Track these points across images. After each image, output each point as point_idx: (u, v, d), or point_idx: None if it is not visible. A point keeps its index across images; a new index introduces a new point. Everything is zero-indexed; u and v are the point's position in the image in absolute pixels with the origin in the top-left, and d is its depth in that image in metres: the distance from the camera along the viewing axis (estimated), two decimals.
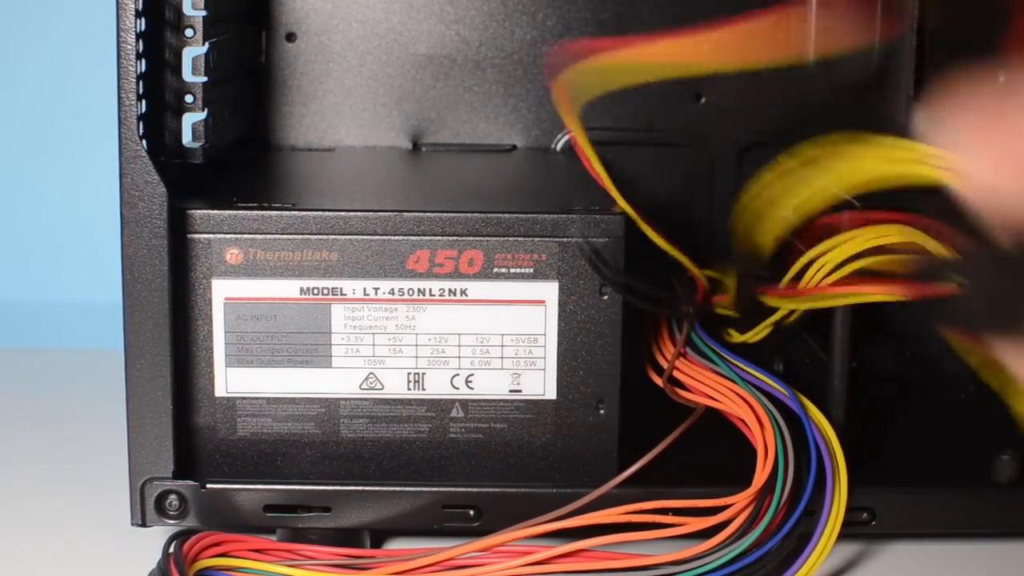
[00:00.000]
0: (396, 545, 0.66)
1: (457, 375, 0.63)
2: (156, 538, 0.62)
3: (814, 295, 0.65)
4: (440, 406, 0.63)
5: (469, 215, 0.62)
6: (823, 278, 0.65)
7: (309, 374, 0.63)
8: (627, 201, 0.62)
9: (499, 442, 0.64)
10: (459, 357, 0.63)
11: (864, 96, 0.86)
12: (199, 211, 0.61)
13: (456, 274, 0.62)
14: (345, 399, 0.63)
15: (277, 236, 0.61)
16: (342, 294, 0.62)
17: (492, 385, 0.63)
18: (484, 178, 0.77)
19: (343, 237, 0.62)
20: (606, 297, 0.62)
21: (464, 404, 0.63)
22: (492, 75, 0.84)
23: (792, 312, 0.68)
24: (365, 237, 0.62)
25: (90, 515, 0.70)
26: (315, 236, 0.61)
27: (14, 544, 0.67)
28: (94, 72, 0.90)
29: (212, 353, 0.62)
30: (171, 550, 0.59)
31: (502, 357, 0.63)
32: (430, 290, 0.62)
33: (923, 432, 0.73)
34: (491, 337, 0.63)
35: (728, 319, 0.70)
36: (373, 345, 0.62)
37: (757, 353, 0.70)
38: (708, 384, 0.66)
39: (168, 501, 0.62)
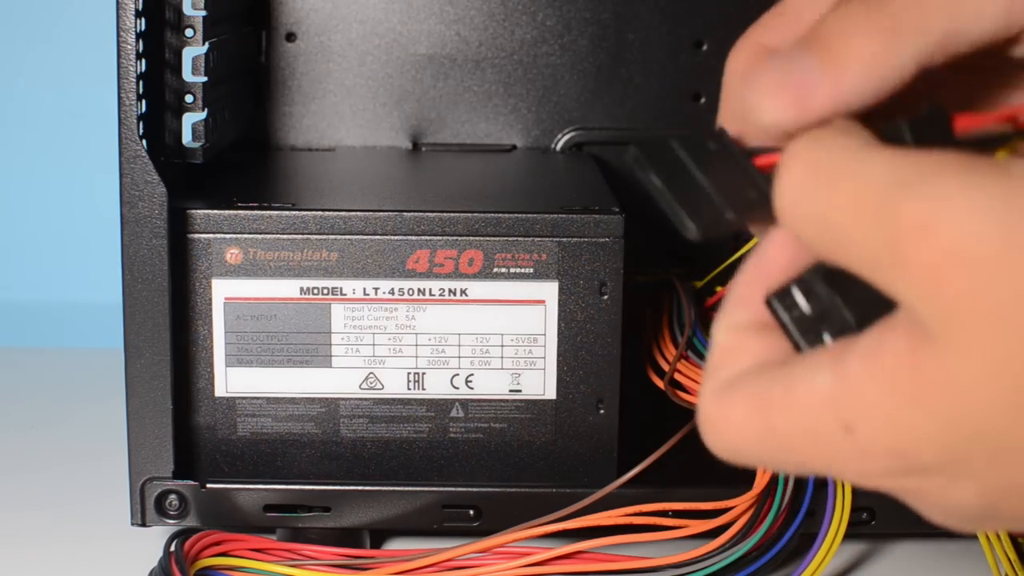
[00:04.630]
0: (396, 545, 0.66)
1: (457, 375, 0.63)
2: (156, 538, 0.62)
3: None
4: (440, 406, 0.63)
5: (469, 215, 0.62)
6: None
7: (309, 374, 0.63)
8: None
9: (499, 442, 0.64)
10: (459, 357, 0.63)
11: None
12: (199, 211, 0.61)
13: (456, 274, 0.62)
14: (345, 399, 0.63)
15: (277, 236, 0.61)
16: (342, 294, 0.62)
17: (492, 385, 0.63)
18: (484, 178, 0.77)
19: (343, 237, 0.62)
20: (606, 297, 0.62)
21: (464, 404, 0.63)
22: (492, 75, 0.84)
23: None
24: (365, 237, 0.62)
25: (90, 515, 0.70)
26: (315, 236, 0.61)
27: (14, 544, 0.67)
28: (94, 72, 0.90)
29: (212, 353, 0.62)
30: (172, 548, 0.59)
31: (502, 357, 0.63)
32: (430, 290, 0.62)
33: None
34: (491, 337, 0.63)
35: None
36: (373, 345, 0.62)
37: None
38: None
39: (168, 501, 0.62)
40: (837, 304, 0.33)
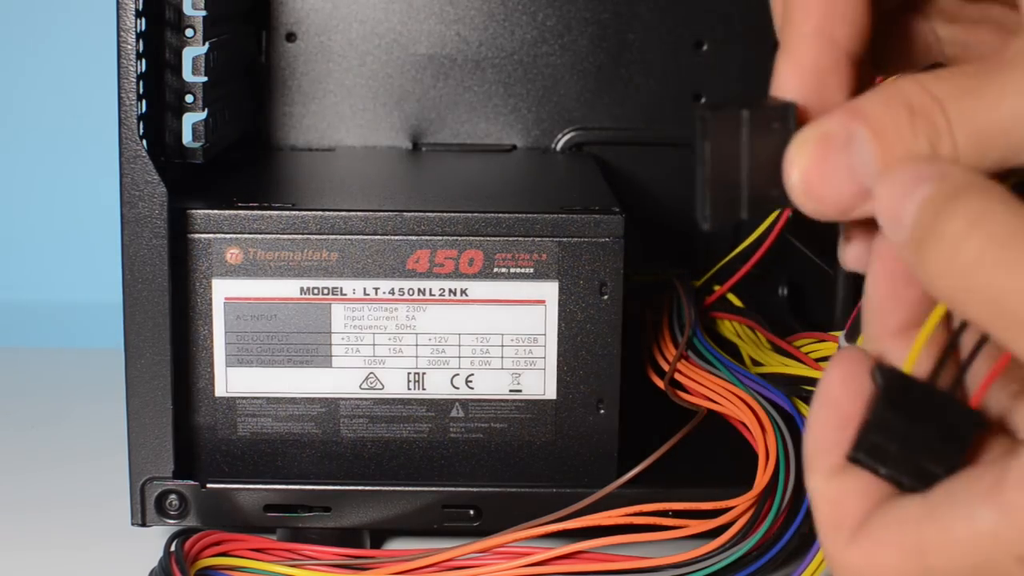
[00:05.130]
0: (396, 545, 0.66)
1: (457, 375, 0.63)
2: (156, 538, 0.62)
3: None
4: (440, 406, 0.63)
5: (469, 215, 0.62)
6: None
7: (309, 374, 0.63)
8: None
9: (499, 442, 0.64)
10: (459, 357, 0.63)
11: None
12: (199, 211, 0.61)
13: (456, 274, 0.62)
14: (345, 399, 0.63)
15: (277, 236, 0.61)
16: (342, 294, 0.62)
17: (492, 385, 0.63)
18: (484, 178, 0.77)
19: (343, 237, 0.62)
20: (606, 297, 0.62)
21: (464, 404, 0.63)
22: (492, 75, 0.84)
23: None
24: (365, 237, 0.62)
25: (90, 515, 0.69)
26: (315, 236, 0.61)
27: (14, 544, 0.67)
28: (94, 72, 0.90)
29: (212, 353, 0.62)
30: (172, 548, 0.59)
31: (502, 357, 0.63)
32: (430, 290, 0.62)
33: None
34: (491, 337, 0.63)
35: None
36: (373, 345, 0.62)
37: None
38: (709, 387, 0.66)
39: (168, 501, 0.62)
40: (916, 430, 0.32)
